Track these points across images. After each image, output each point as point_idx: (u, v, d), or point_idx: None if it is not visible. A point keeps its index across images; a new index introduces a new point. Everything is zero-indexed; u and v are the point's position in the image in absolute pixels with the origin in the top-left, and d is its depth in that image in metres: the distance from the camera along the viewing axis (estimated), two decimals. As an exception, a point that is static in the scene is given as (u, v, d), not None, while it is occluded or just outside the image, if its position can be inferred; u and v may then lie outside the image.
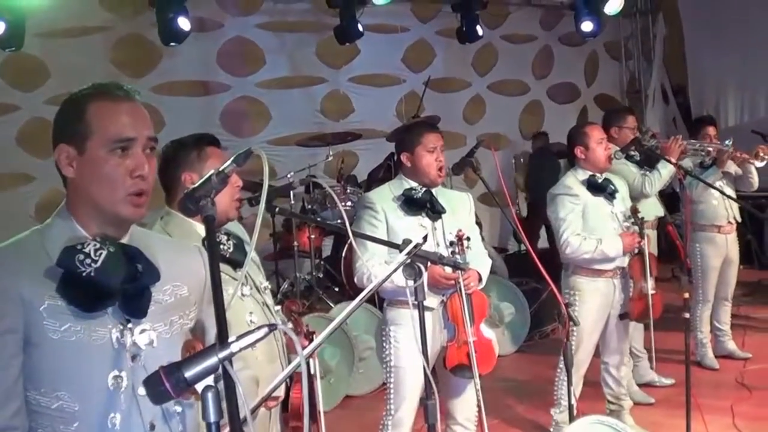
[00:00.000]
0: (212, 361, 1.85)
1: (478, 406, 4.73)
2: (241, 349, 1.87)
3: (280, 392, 3.65)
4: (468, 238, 4.69)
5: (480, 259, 4.86)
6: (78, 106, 2.30)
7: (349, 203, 8.18)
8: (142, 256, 2.34)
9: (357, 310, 7.46)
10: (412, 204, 4.74)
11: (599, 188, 5.77)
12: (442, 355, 4.70)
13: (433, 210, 4.75)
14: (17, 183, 8.68)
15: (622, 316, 5.89)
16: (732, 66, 12.51)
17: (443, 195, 4.89)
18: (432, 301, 4.57)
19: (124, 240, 2.35)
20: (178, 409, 2.37)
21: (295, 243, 8.28)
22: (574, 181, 5.80)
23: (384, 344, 4.84)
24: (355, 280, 4.75)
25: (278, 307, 3.78)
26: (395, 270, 3.01)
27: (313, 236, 8.33)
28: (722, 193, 6.92)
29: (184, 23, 8.59)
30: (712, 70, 12.85)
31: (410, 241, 3.50)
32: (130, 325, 2.29)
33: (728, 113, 12.70)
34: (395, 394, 4.78)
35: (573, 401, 4.63)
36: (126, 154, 2.28)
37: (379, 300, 7.01)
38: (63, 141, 2.29)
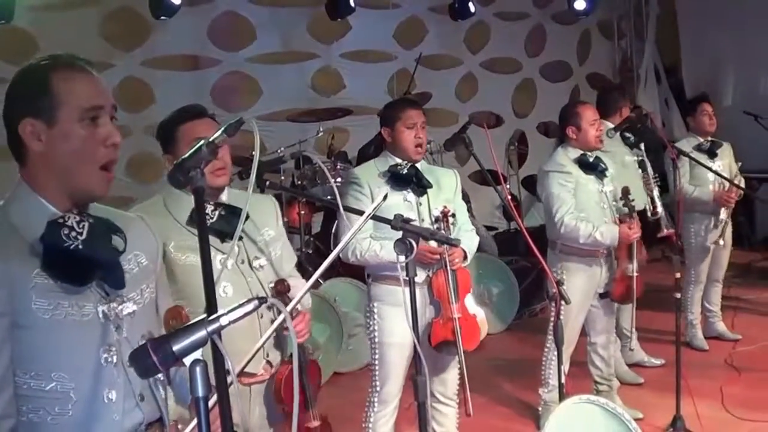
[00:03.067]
0: (201, 334, 1.81)
1: (462, 382, 4.74)
2: (230, 323, 1.84)
3: (258, 369, 3.60)
4: (453, 215, 4.70)
5: (467, 237, 4.85)
6: (40, 77, 2.23)
7: (339, 179, 8.13)
8: (116, 226, 2.32)
9: (346, 286, 7.43)
10: (398, 179, 4.75)
11: (590, 166, 5.75)
12: (427, 332, 4.69)
13: (419, 185, 4.75)
14: (8, 156, 8.60)
15: (603, 296, 5.88)
16: (727, 45, 12.46)
17: (430, 172, 4.92)
18: (418, 275, 4.56)
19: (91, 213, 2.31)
20: (161, 376, 2.36)
21: (285, 219, 8.21)
22: (565, 158, 5.77)
23: (368, 320, 4.86)
24: (341, 254, 4.76)
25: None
26: (358, 229, 2.97)
27: (303, 212, 8.29)
28: (719, 174, 6.92)
29: (175, -4, 8.51)
30: (707, 50, 12.80)
31: (401, 216, 3.49)
32: (110, 298, 2.26)
33: (724, 93, 12.64)
34: (380, 370, 4.81)
35: (563, 380, 4.62)
36: (96, 124, 2.23)
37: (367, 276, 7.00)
38: (27, 115, 2.21)
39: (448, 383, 4.94)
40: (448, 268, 4.61)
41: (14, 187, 2.29)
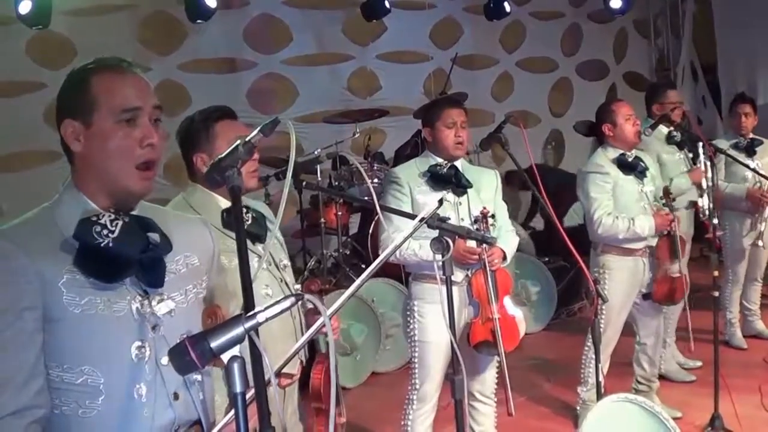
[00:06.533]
0: (238, 331, 1.83)
1: (503, 383, 4.72)
2: (267, 319, 1.86)
3: (294, 370, 3.63)
4: (492, 216, 4.69)
5: (506, 237, 4.85)
6: (81, 79, 2.30)
7: (376, 180, 8.14)
8: (155, 226, 2.35)
9: (384, 287, 7.41)
10: (437, 179, 4.75)
11: (630, 167, 5.71)
12: (466, 331, 4.69)
13: (459, 185, 4.74)
14: (45, 160, 8.63)
15: (645, 296, 5.85)
16: (763, 43, 12.32)
17: (470, 171, 4.89)
18: (456, 275, 4.56)
19: (135, 212, 2.35)
20: (199, 378, 2.39)
21: (322, 220, 8.25)
22: (604, 158, 5.74)
23: (408, 319, 4.86)
24: (380, 252, 4.76)
25: (298, 286, 3.77)
26: (411, 233, 2.96)
27: (340, 213, 8.30)
28: (756, 172, 6.85)
29: (210, 0, 8.55)
30: (744, 48, 12.67)
31: (438, 215, 3.48)
32: (148, 296, 2.30)
33: (761, 91, 12.48)
34: (419, 368, 4.81)
35: (601, 379, 4.61)
36: (134, 125, 2.28)
37: (405, 276, 7.01)
38: (68, 116, 2.28)
39: (486, 382, 4.93)
40: (488, 268, 4.61)
41: (64, 186, 2.35)
